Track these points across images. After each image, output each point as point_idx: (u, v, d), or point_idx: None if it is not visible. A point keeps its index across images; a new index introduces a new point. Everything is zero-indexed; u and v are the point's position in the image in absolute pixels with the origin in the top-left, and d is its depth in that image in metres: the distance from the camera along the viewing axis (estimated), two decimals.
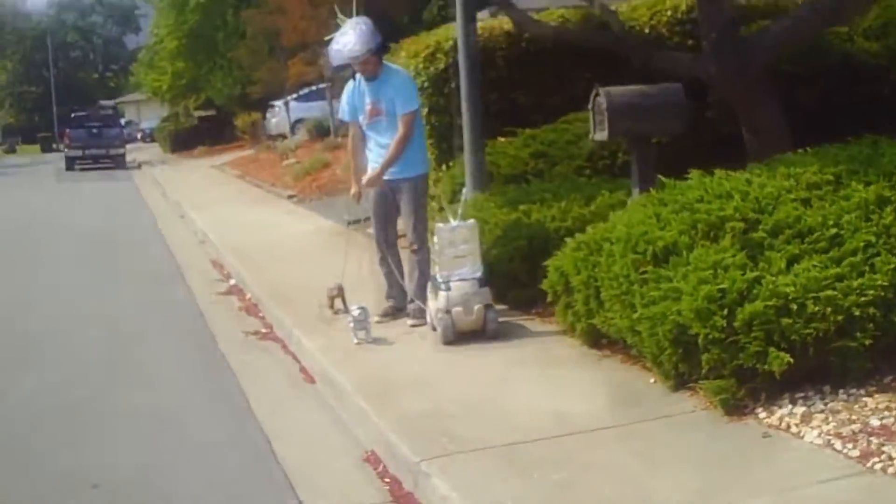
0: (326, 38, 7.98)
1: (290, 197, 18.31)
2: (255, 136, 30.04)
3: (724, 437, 4.89)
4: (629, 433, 5.08)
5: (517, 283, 7.67)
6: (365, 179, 7.66)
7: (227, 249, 12.82)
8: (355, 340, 7.25)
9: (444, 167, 12.02)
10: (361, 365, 6.79)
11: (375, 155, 7.73)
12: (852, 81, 10.83)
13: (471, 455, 4.94)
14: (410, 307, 7.70)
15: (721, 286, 5.21)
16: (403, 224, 7.87)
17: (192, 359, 8.04)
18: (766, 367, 5.03)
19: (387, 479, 5.17)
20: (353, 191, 8.10)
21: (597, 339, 6.53)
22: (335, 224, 14.24)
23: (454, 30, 12.10)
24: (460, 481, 4.65)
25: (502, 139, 11.43)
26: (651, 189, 7.15)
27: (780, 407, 5.04)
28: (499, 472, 4.70)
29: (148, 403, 6.80)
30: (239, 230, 14.44)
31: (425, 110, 11.86)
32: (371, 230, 12.88)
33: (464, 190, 7.31)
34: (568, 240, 6.94)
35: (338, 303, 8.37)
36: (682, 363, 5.43)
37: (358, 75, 7.79)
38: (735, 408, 5.13)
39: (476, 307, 6.85)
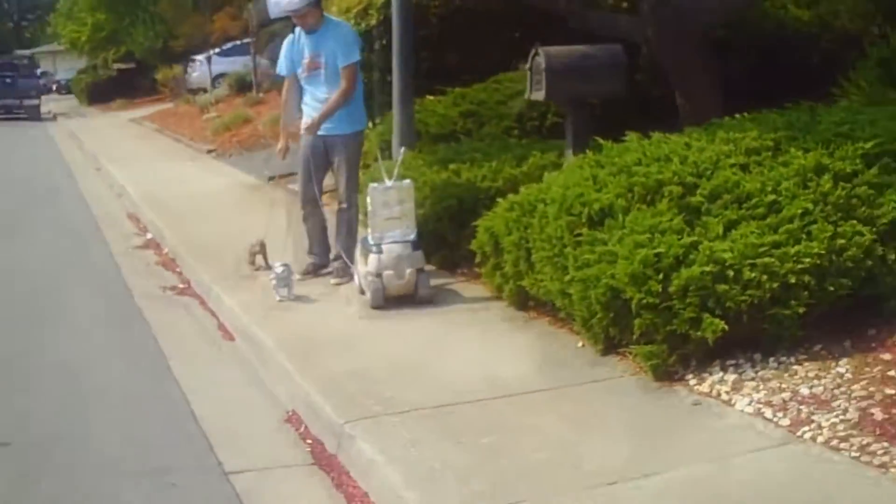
0: None
1: (209, 151, 17.92)
2: (176, 90, 29.41)
3: (654, 403, 4.79)
4: (559, 396, 4.96)
5: (445, 243, 7.49)
6: (303, 126, 7.41)
7: (144, 203, 12.48)
8: (277, 298, 7.04)
9: (371, 125, 11.81)
10: (283, 323, 6.59)
11: (311, 109, 7.48)
12: (784, 49, 10.84)
13: (398, 417, 4.78)
14: (335, 265, 7.53)
15: (657, 250, 5.09)
16: (334, 180, 7.64)
17: (107, 313, 7.77)
18: (699, 333, 4.92)
19: (309, 441, 4.99)
20: (279, 145, 7.87)
21: (524, 302, 6.40)
22: (255, 179, 14.01)
23: None
24: (386, 444, 4.50)
25: (431, 97, 11.25)
26: (586, 151, 7.06)
27: (711, 374, 4.94)
28: (427, 435, 4.55)
29: (62, 359, 6.54)
30: (157, 184, 14.05)
31: None
32: (296, 185, 12.80)
33: (401, 150, 7.01)
34: (499, 200, 6.80)
35: (259, 259, 8.14)
36: (613, 327, 5.32)
37: (297, 29, 7.53)
38: (665, 374, 5.04)
39: (408, 271, 6.60)
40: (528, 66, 7.22)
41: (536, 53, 7.09)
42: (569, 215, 5.69)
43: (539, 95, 7.09)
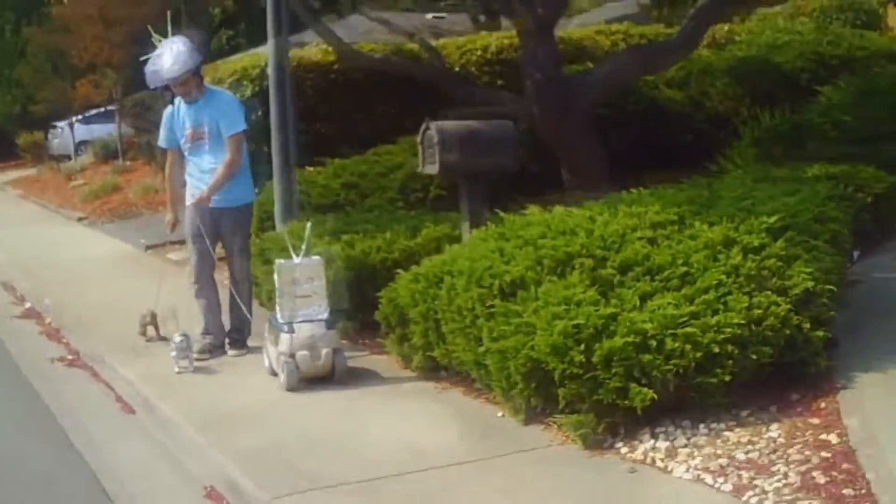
0: (142, 59, 7.54)
1: (80, 219, 17.51)
2: (38, 156, 28.67)
3: (589, 472, 4.85)
4: (488, 468, 4.98)
5: (341, 314, 7.47)
6: (193, 200, 7.26)
7: (17, 271, 12.13)
8: (176, 369, 6.93)
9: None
10: (187, 395, 6.49)
11: (196, 181, 7.37)
12: (659, 126, 11.27)
13: (325, 493, 4.75)
14: (230, 338, 7.43)
15: (576, 321, 5.19)
16: (226, 254, 7.54)
17: None
18: (626, 402, 5.02)
19: None
20: (168, 218, 7.74)
21: (434, 372, 6.44)
22: (132, 248, 13.78)
23: (262, 57, 11.95)
24: None
25: (311, 168, 11.26)
26: (483, 223, 7.18)
27: (642, 442, 5.04)
28: None
29: None
30: (29, 251, 13.69)
31: None
32: (173, 255, 12.62)
33: (307, 225, 6.76)
34: (399, 271, 6.86)
35: (150, 330, 8.00)
36: (535, 397, 5.39)
37: (177, 99, 7.41)
38: (594, 442, 5.11)
39: (324, 351, 6.36)
40: (419, 139, 7.29)
41: (427, 127, 7.17)
42: (479, 287, 5.76)
43: (432, 169, 7.16)
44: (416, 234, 7.87)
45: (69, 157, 27.68)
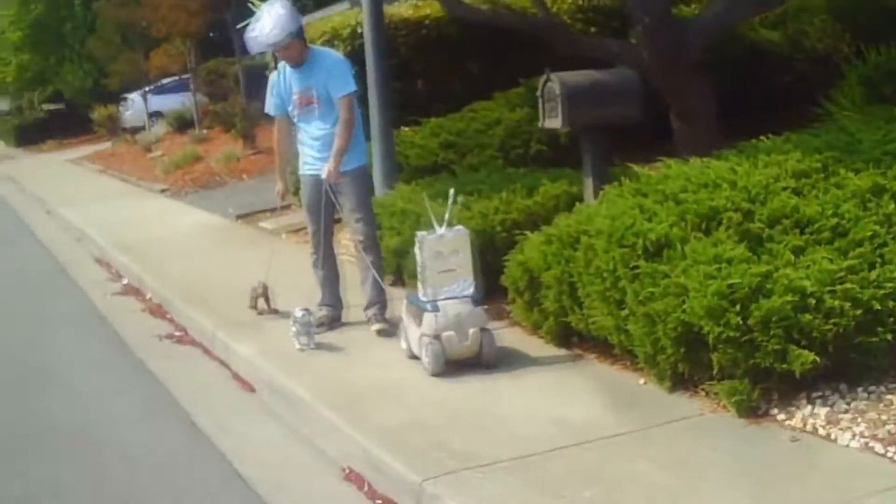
0: (239, 26, 7.23)
1: (162, 191, 17.43)
2: (113, 130, 28.78)
3: (749, 442, 4.55)
4: (643, 439, 4.70)
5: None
6: (324, 174, 6.80)
7: (111, 246, 11.99)
8: (297, 346, 6.64)
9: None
10: (312, 371, 6.24)
11: (309, 149, 7.03)
12: (757, 68, 10.82)
13: (479, 472, 4.48)
14: (369, 313, 7.00)
15: (730, 281, 4.86)
16: (347, 222, 7.19)
17: (110, 368, 7.34)
18: (785, 366, 4.70)
19: (379, 501, 4.66)
20: (278, 187, 7.42)
21: (566, 338, 6.15)
22: (221, 218, 13.63)
23: (351, 17, 11.69)
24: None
25: (407, 129, 11.02)
26: (606, 179, 6.86)
27: (799, 408, 4.73)
28: (520, 492, 4.26)
29: (78, 421, 6.14)
30: (119, 226, 13.57)
31: None
32: (267, 223, 12.44)
33: (451, 192, 6.08)
34: (526, 233, 6.56)
35: (261, 303, 7.78)
36: (683, 363, 5.09)
37: (281, 64, 7.09)
38: (748, 410, 4.81)
39: (471, 331, 5.78)
40: (538, 92, 6.96)
41: (549, 79, 6.84)
42: (621, 247, 5.44)
43: (555, 123, 6.83)
44: (533, 193, 7.57)
45: (142, 129, 27.71)
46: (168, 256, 10.93)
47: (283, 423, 5.82)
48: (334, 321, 7.16)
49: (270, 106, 7.14)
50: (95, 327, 8.58)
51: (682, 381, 5.21)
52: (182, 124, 25.04)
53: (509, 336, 6.46)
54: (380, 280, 7.00)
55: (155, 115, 28.21)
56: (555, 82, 6.74)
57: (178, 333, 8.11)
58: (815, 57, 11.32)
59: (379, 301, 6.98)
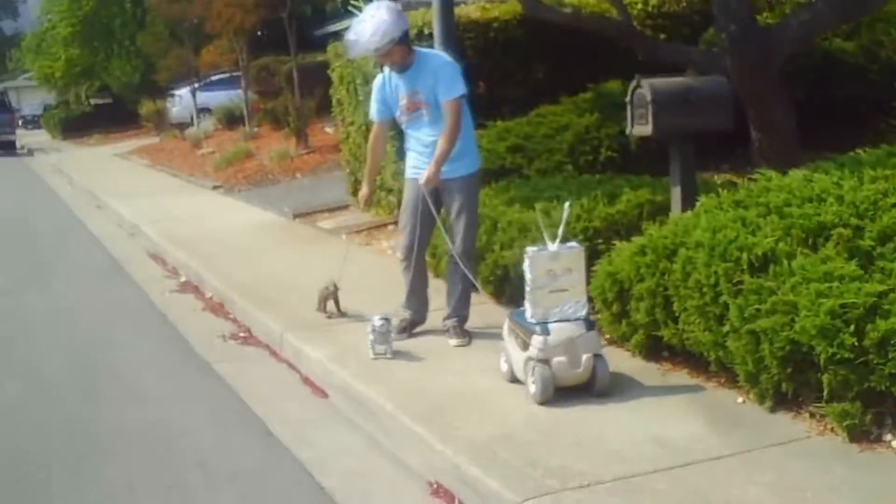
0: (340, 29, 6.95)
1: (215, 187, 17.35)
2: (160, 124, 28.81)
3: (864, 469, 4.33)
4: (752, 463, 4.46)
5: None
6: (422, 179, 6.51)
7: (167, 242, 11.89)
8: (372, 355, 6.40)
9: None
10: (391, 379, 6.03)
11: (417, 154, 6.73)
12: (832, 78, 10.54)
13: (583, 493, 4.27)
14: (448, 323, 6.76)
15: (843, 300, 4.62)
16: (450, 228, 6.73)
17: (176, 369, 7.17)
18: None
19: None
20: (362, 192, 7.20)
21: (655, 352, 5.93)
22: (277, 216, 13.51)
23: (416, 17, 11.52)
24: None
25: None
26: (694, 189, 6.65)
27: None
28: None
29: (150, 425, 5.97)
30: (171, 221, 13.50)
31: None
32: (325, 223, 12.29)
33: (566, 205, 5.69)
34: (615, 243, 6.35)
35: (331, 305, 7.59)
36: (788, 383, 4.86)
37: (386, 68, 6.73)
38: (859, 434, 4.59)
39: (584, 357, 5.34)
40: (627, 98, 6.74)
41: (639, 85, 6.61)
42: (724, 261, 5.21)
43: (644, 130, 6.60)
44: (615, 201, 7.33)
45: (189, 125, 27.72)
46: (226, 254, 10.80)
47: (362, 431, 5.64)
48: (415, 325, 6.93)
49: (374, 112, 6.87)
50: (156, 325, 8.44)
51: (783, 402, 5.00)
52: (231, 120, 25.01)
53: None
54: (469, 293, 6.79)
55: (203, 111, 28.21)
56: (645, 88, 6.51)
57: (242, 334, 7.95)
58: (891, 67, 11.04)
59: (463, 314, 6.77)
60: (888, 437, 4.57)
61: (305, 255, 10.46)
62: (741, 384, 5.19)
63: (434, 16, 9.92)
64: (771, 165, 8.06)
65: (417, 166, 6.68)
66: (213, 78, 27.78)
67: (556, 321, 5.42)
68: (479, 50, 11.39)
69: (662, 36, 12.03)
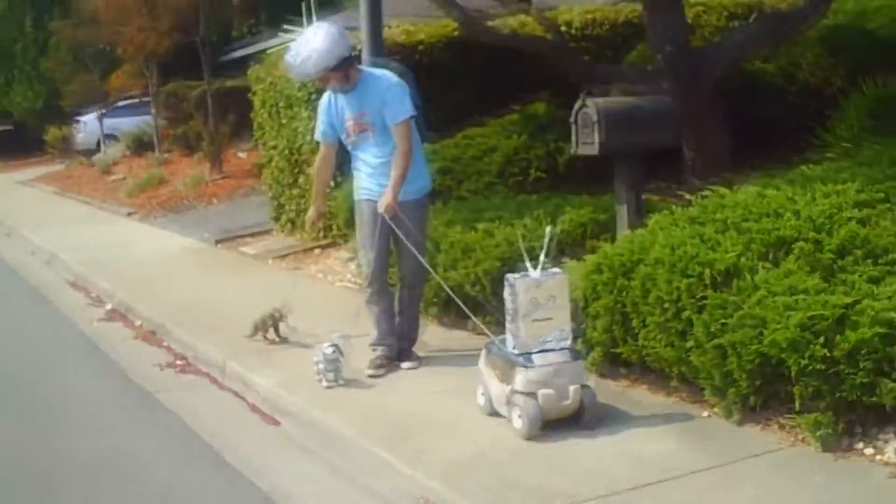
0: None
1: (129, 214, 17.00)
2: (66, 151, 28.18)
3: (842, 479, 4.34)
4: (729, 476, 4.47)
5: (481, 307, 6.91)
6: (381, 206, 6.26)
7: (88, 270, 11.59)
8: (325, 384, 6.23)
9: (331, 183, 11.25)
10: (346, 405, 5.92)
11: (366, 176, 6.54)
12: (752, 99, 10.71)
13: None
14: (404, 346, 6.65)
15: (812, 313, 4.65)
16: (397, 254, 6.62)
17: (117, 401, 6.95)
18: (874, 398, 4.51)
19: None
20: (310, 214, 6.98)
21: (613, 368, 5.92)
22: (197, 242, 13.28)
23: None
24: None
25: None
26: (640, 207, 6.68)
27: (887, 442, 4.55)
28: None
29: (102, 458, 5.75)
30: (91, 249, 13.15)
31: (311, 123, 11.10)
32: (247, 248, 12.10)
33: (547, 230, 5.43)
34: (565, 260, 6.34)
35: (272, 332, 7.44)
36: (756, 395, 4.89)
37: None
38: (831, 443, 4.62)
39: (572, 388, 5.07)
40: (572, 118, 6.73)
41: (584, 105, 6.60)
42: (685, 277, 5.22)
43: (590, 150, 6.58)
44: (557, 221, 7.31)
45: (94, 151, 27.22)
46: (151, 281, 10.58)
47: (320, 459, 5.50)
48: (390, 361, 6.56)
49: (319, 132, 6.69)
50: (89, 356, 8.19)
51: (751, 415, 5.02)
52: (139, 146, 24.56)
53: None
54: (418, 316, 6.73)
55: (108, 137, 27.67)
56: (591, 108, 6.51)
57: (179, 362, 7.75)
58: (809, 89, 11.26)
59: (412, 336, 6.67)
60: (859, 445, 4.61)
61: (232, 281, 10.29)
62: (706, 398, 5.20)
63: (363, 38, 9.86)
64: (704, 184, 8.17)
65: (367, 188, 6.52)
66: (120, 104, 27.22)
67: (540, 351, 5.14)
68: (400, 74, 11.33)
69: (587, 58, 12.15)
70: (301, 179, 11.91)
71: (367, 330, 6.68)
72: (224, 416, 6.42)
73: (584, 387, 5.17)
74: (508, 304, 5.24)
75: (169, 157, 21.97)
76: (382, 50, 9.96)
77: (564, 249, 7.06)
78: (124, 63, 22.55)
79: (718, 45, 8.52)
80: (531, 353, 5.13)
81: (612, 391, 5.71)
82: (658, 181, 10.39)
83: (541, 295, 5.17)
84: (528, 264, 5.32)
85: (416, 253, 6.38)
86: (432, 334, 7.00)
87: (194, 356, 7.74)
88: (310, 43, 6.21)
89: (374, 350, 6.56)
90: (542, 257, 5.28)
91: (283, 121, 11.96)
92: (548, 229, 5.43)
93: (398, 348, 6.62)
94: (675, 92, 8.13)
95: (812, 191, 5.71)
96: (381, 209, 6.24)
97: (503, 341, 5.35)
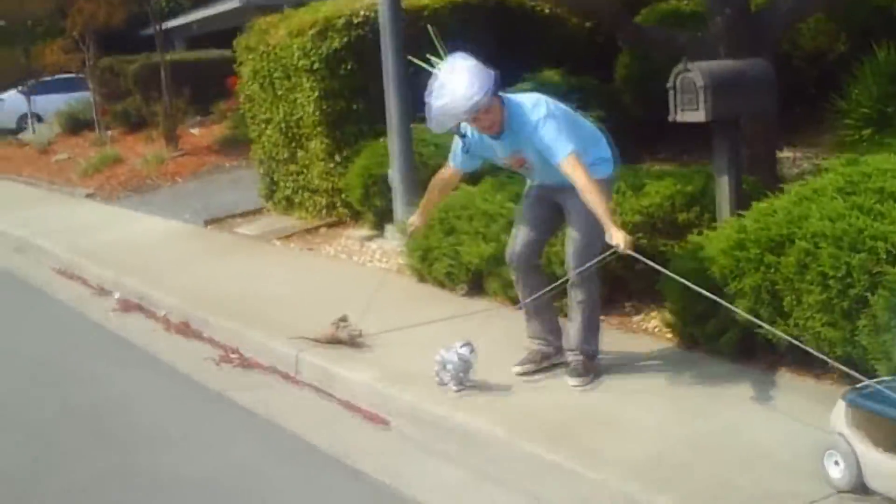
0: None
1: (89, 195, 16.19)
2: None
3: None
4: None
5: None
6: (622, 246, 5.03)
7: (78, 257, 10.90)
8: (454, 388, 5.62)
9: (336, 157, 10.81)
10: (473, 403, 5.47)
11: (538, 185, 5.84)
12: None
13: None
14: (570, 357, 5.68)
15: None
16: (567, 244, 5.67)
17: (184, 402, 6.41)
18: None
19: None
20: (413, 220, 6.24)
21: (751, 352, 5.61)
22: (183, 224, 12.66)
23: (343, 5, 10.97)
24: None
25: (414, 125, 10.28)
26: (741, 175, 6.37)
27: None
28: None
29: (201, 472, 5.24)
30: (66, 234, 12.42)
31: (315, 94, 10.63)
32: (243, 229, 11.53)
33: None
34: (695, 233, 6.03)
35: (344, 334, 6.84)
36: None
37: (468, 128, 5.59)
38: None
39: None
40: (670, 84, 6.36)
41: (687, 69, 6.23)
42: (856, 252, 4.90)
43: (697, 116, 6.19)
44: (640, 193, 6.94)
45: (15, 130, 26.26)
46: (157, 267, 9.99)
47: (459, 462, 5.06)
48: (546, 359, 5.87)
49: (457, 159, 5.83)
50: (127, 355, 7.56)
51: None
52: (75, 125, 23.60)
53: (666, 353, 6.01)
54: (595, 319, 5.77)
55: (26, 117, 26.62)
56: (696, 72, 6.14)
57: (233, 356, 7.20)
58: (812, 55, 11.08)
59: (587, 348, 5.71)
60: None
61: (248, 265, 9.78)
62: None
63: (382, 5, 9.41)
64: (754, 152, 7.90)
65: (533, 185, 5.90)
66: (47, 80, 26.09)
67: None
68: (410, 40, 10.87)
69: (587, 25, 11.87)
70: (300, 154, 11.40)
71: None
72: (320, 417, 5.92)
73: None
74: None
75: (112, 135, 21.12)
76: (401, 8, 9.53)
77: (657, 224, 6.75)
78: (49, 39, 21.55)
79: (774, 8, 8.17)
80: None
81: (764, 379, 5.40)
82: (669, 150, 10.17)
83: None
84: None
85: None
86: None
87: (249, 349, 7.20)
88: (459, 68, 5.32)
89: (532, 342, 5.98)
90: None
91: (280, 92, 11.38)
92: None
93: (571, 358, 5.77)
94: (734, 57, 7.78)
95: None
96: (621, 247, 5.04)
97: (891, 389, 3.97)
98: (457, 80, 5.23)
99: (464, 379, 5.63)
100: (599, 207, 5.12)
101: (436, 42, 5.37)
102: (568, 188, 5.34)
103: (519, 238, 5.80)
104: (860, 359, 4.94)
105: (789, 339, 4.98)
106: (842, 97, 8.82)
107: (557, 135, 5.27)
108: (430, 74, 5.40)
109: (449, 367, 5.61)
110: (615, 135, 5.95)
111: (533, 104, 5.39)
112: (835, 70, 9.63)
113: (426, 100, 5.33)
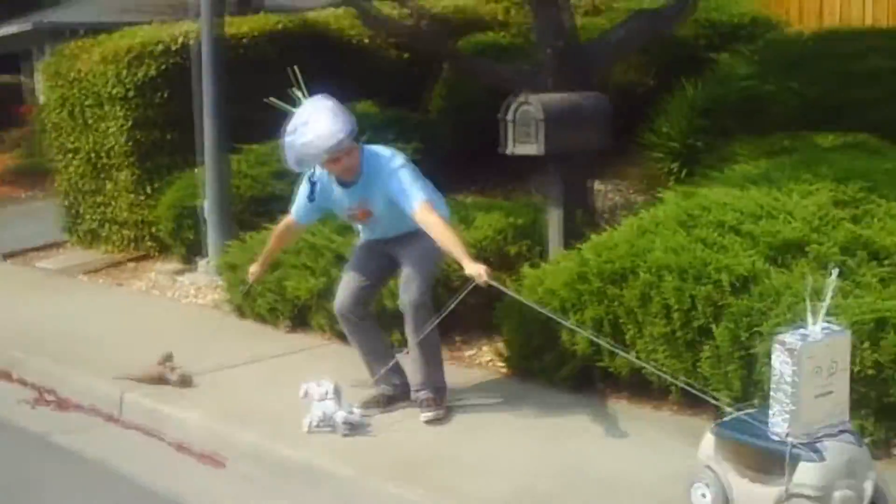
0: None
1: None
2: None
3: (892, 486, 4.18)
4: None
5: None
6: (481, 277, 4.93)
7: None
8: (341, 431, 5.36)
9: (146, 189, 10.51)
10: (312, 440, 5.35)
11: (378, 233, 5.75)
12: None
13: None
14: (419, 395, 5.54)
15: (856, 318, 4.55)
16: (402, 284, 5.51)
17: (23, 453, 6.03)
18: None
19: None
20: (252, 268, 6.08)
21: (589, 383, 5.68)
22: None
23: (160, 32, 10.73)
24: None
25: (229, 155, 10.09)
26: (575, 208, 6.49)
27: None
28: None
29: None
30: None
31: (128, 123, 10.32)
32: (45, 263, 10.97)
33: (834, 273, 4.11)
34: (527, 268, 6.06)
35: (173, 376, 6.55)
36: None
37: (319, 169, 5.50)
38: (877, 450, 4.54)
39: (867, 483, 3.81)
40: (506, 115, 6.40)
41: (526, 101, 6.29)
42: (699, 284, 5.01)
43: (529, 150, 6.26)
44: (470, 226, 6.96)
45: None
46: None
47: (304, 503, 4.92)
48: (391, 400, 5.74)
49: (301, 214, 5.77)
50: None
51: None
52: None
53: (504, 386, 6.04)
54: (437, 356, 5.68)
55: None
56: (533, 105, 6.21)
57: (48, 398, 6.81)
58: (623, 89, 11.39)
59: (433, 383, 5.62)
60: None
61: (56, 300, 9.31)
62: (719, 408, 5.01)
63: (203, 30, 9.20)
64: (572, 184, 8.04)
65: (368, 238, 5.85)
66: None
67: (824, 437, 3.83)
68: (229, 69, 10.66)
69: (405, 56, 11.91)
70: (108, 186, 11.00)
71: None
72: (157, 461, 5.63)
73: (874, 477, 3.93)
74: (782, 373, 3.83)
75: None
76: (221, 39, 9.34)
77: (489, 258, 6.76)
78: None
79: (600, 40, 8.36)
80: (816, 441, 3.81)
81: (604, 409, 5.47)
82: (482, 182, 10.27)
83: (824, 361, 3.86)
84: (808, 316, 3.90)
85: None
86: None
87: (66, 390, 6.82)
88: (324, 108, 5.29)
89: (376, 387, 5.85)
90: (825, 303, 3.91)
91: (90, 121, 10.95)
92: (832, 268, 4.19)
93: (419, 395, 5.65)
94: (561, 89, 7.93)
95: (788, 190, 5.65)
96: (481, 278, 4.94)
97: (753, 419, 3.99)
98: (322, 118, 5.18)
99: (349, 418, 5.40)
100: (457, 247, 5.07)
101: (297, 81, 5.32)
102: (402, 236, 5.43)
103: (348, 288, 5.68)
104: (701, 389, 5.04)
105: (641, 362, 5.03)
106: (651, 130, 9.06)
107: (413, 182, 5.27)
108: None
109: (321, 407, 5.39)
110: (432, 166, 6.01)
111: (391, 154, 5.43)
112: (641, 104, 9.89)
113: (286, 138, 5.24)
